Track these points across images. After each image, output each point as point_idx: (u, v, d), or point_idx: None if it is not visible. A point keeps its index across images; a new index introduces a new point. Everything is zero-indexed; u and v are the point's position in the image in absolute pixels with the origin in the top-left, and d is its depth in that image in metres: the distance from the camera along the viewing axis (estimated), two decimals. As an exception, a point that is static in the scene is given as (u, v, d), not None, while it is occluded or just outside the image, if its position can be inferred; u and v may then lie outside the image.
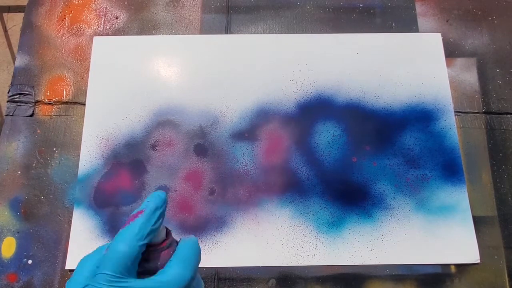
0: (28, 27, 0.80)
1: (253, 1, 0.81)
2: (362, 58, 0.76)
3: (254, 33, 0.79)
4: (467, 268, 0.65)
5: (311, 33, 0.79)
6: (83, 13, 0.81)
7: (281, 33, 0.79)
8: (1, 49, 1.39)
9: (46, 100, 0.75)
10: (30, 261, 0.66)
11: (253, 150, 0.71)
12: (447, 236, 0.66)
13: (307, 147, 0.71)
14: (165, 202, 0.39)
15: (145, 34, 0.79)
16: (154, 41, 0.78)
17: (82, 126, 0.73)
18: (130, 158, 0.71)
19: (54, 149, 0.72)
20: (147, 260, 0.36)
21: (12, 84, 0.76)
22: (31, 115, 0.74)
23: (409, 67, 0.75)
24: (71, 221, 0.68)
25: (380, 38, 0.77)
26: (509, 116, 0.73)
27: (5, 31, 1.40)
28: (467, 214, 0.67)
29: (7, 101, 0.76)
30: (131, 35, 0.79)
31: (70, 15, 0.81)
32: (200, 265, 0.65)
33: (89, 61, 0.77)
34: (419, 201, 0.68)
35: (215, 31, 0.80)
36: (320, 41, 0.77)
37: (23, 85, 0.76)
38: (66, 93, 0.76)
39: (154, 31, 0.80)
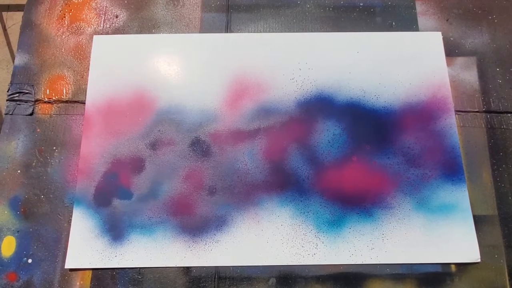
0: (27, 25, 0.80)
1: (254, 0, 0.81)
2: (362, 57, 0.76)
3: (254, 32, 0.79)
4: (468, 267, 0.65)
5: (311, 32, 0.79)
6: (83, 12, 0.81)
7: (281, 32, 0.79)
8: (0, 48, 1.39)
9: (46, 99, 0.75)
10: (30, 260, 0.66)
11: (253, 149, 0.71)
12: (448, 235, 0.66)
13: (307, 146, 0.71)
14: None
15: (145, 33, 0.79)
16: (154, 40, 0.78)
17: (82, 125, 0.73)
18: (130, 157, 0.71)
19: (54, 148, 0.72)
20: None
21: (11, 83, 0.76)
22: (31, 114, 0.74)
23: (409, 66, 0.75)
24: (71, 220, 0.68)
25: (380, 37, 0.77)
26: (509, 115, 0.73)
27: (5, 29, 1.40)
28: (467, 213, 0.67)
29: (7, 100, 0.75)
30: (131, 34, 0.79)
31: (70, 13, 0.81)
32: (200, 264, 0.65)
33: (89, 60, 0.77)
34: (419, 200, 0.68)
35: (215, 30, 0.80)
36: (320, 40, 0.77)
37: (22, 83, 0.76)
38: (66, 92, 0.76)
39: (154, 30, 0.80)
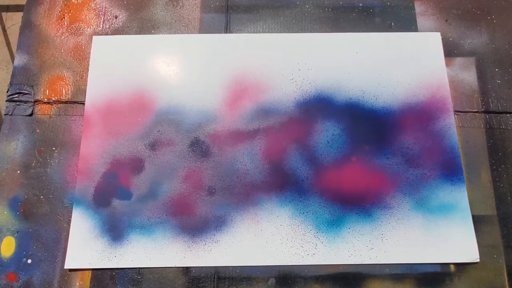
0: (27, 26, 0.80)
1: (253, 1, 0.81)
2: (362, 58, 0.76)
3: (253, 33, 0.79)
4: (467, 267, 0.65)
5: (311, 32, 0.79)
6: (82, 13, 0.81)
7: (281, 32, 0.79)
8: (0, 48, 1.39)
9: (45, 99, 0.75)
10: (29, 261, 0.66)
11: (252, 150, 0.71)
12: (447, 235, 0.66)
13: (307, 146, 0.71)
14: None
15: (145, 34, 0.79)
16: (153, 41, 0.78)
17: (81, 125, 0.73)
18: (130, 157, 0.71)
19: (54, 148, 0.72)
20: None
21: (11, 83, 0.76)
22: (30, 115, 0.74)
23: (408, 66, 0.75)
24: (70, 220, 0.68)
25: (380, 38, 0.77)
26: (508, 115, 0.74)
27: (4, 30, 1.40)
28: (466, 213, 0.67)
29: (6, 101, 0.75)
30: (130, 34, 0.79)
31: (69, 14, 0.81)
32: (200, 264, 0.65)
33: (89, 60, 0.77)
34: (418, 200, 0.68)
35: (214, 30, 0.80)
36: (320, 41, 0.77)
37: (22, 84, 0.76)
38: (65, 93, 0.76)
39: (154, 30, 0.80)
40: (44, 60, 0.78)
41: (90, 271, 0.66)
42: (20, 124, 0.74)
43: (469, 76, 0.76)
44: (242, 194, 0.69)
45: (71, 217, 0.68)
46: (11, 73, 0.77)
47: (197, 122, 0.72)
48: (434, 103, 0.73)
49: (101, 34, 0.79)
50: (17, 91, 0.76)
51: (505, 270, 0.65)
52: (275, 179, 0.69)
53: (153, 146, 0.71)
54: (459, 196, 0.68)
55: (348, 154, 0.70)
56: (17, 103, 0.75)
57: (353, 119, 0.72)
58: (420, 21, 0.80)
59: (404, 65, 0.75)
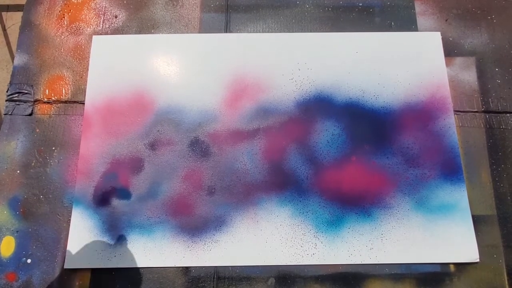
0: (27, 26, 0.80)
1: (253, 0, 0.81)
2: (361, 57, 0.76)
3: (253, 32, 0.79)
4: (466, 267, 0.65)
5: (310, 32, 0.79)
6: (82, 12, 0.81)
7: (281, 32, 0.79)
8: None
9: (45, 99, 0.75)
10: (29, 260, 0.66)
11: (252, 149, 0.71)
12: (447, 235, 0.66)
13: (306, 146, 0.71)
14: None
15: (144, 33, 0.79)
16: (153, 40, 0.78)
17: (81, 125, 0.73)
18: (129, 157, 0.71)
19: (53, 148, 0.72)
20: None
21: (11, 83, 0.76)
22: (30, 114, 0.74)
23: (408, 66, 0.75)
24: (70, 220, 0.68)
25: (379, 37, 0.77)
26: (508, 115, 0.73)
27: (4, 30, 1.40)
28: (466, 213, 0.67)
29: (6, 100, 0.75)
30: (130, 34, 0.79)
31: (69, 14, 0.81)
32: (199, 264, 0.65)
33: (88, 60, 0.77)
34: (418, 200, 0.68)
35: (214, 30, 0.80)
36: (319, 40, 0.77)
37: (22, 84, 0.76)
38: (65, 92, 0.76)
39: (153, 30, 0.80)
40: (44, 60, 0.78)
41: (90, 271, 0.66)
42: (20, 123, 0.74)
43: (469, 76, 0.76)
44: (242, 194, 0.69)
45: (70, 217, 0.68)
46: (11, 73, 0.77)
47: (197, 121, 0.72)
48: (434, 102, 0.73)
49: (101, 34, 0.79)
50: (17, 90, 0.76)
51: (505, 270, 0.65)
52: (275, 179, 0.69)
53: (153, 146, 0.71)
54: (459, 196, 0.68)
55: (348, 154, 0.70)
56: (17, 102, 0.75)
57: (353, 119, 0.72)
58: (420, 20, 0.80)
59: (404, 65, 0.75)
